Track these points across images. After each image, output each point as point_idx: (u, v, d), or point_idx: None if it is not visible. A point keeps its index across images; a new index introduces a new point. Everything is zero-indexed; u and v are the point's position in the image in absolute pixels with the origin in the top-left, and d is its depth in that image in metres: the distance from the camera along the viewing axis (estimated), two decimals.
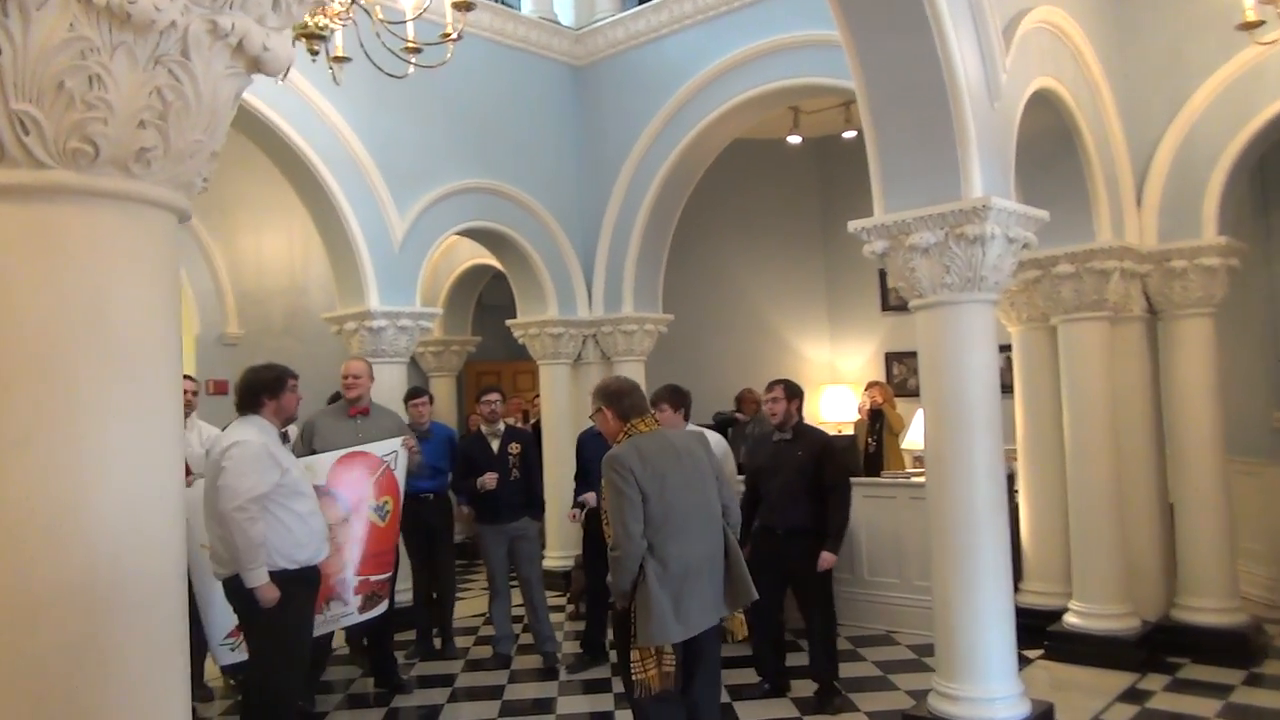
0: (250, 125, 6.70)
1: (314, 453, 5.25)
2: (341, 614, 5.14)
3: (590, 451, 5.91)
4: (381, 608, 5.41)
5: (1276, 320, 7.38)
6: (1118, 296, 5.73)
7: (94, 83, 1.61)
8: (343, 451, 5.29)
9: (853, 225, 4.68)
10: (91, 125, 1.62)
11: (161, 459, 1.79)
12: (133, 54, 1.65)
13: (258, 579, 3.85)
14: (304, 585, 4.05)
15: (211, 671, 5.59)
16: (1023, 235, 4.53)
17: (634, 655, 3.45)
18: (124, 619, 1.70)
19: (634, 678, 3.45)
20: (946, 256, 4.36)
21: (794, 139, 9.69)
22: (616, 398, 3.74)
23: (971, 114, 4.29)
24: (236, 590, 3.95)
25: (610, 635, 5.21)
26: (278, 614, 3.92)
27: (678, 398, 5.13)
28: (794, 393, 5.26)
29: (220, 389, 8.74)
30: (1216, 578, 5.77)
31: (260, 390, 4.15)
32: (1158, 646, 5.66)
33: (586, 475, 5.96)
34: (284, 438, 4.24)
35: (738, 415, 8.73)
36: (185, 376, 6.11)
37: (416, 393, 6.57)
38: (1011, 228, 4.43)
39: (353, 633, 5.76)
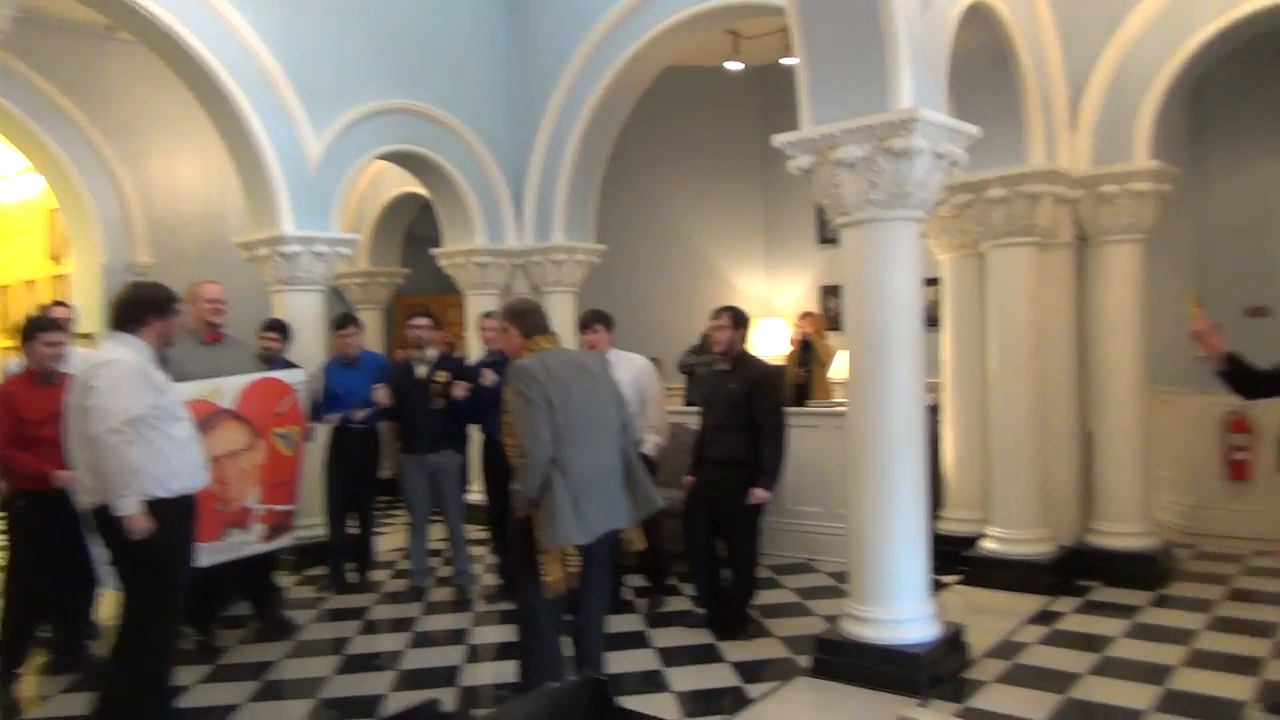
0: (149, 34, 6.31)
1: None
2: (241, 542, 4.98)
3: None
4: (284, 540, 5.24)
5: (1205, 250, 7.41)
6: (1048, 221, 5.65)
7: None
8: (253, 376, 5.13)
9: (778, 139, 4.49)
10: None
11: None
12: None
13: (129, 507, 3.53)
14: (179, 513, 3.75)
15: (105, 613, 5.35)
16: (952, 151, 4.38)
17: (540, 560, 3.59)
18: None
19: (542, 579, 3.58)
20: (873, 171, 4.20)
21: (734, 65, 9.40)
22: (520, 316, 3.89)
23: (902, 20, 4.10)
24: (106, 521, 3.61)
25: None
26: (151, 544, 3.61)
27: (609, 320, 5.36)
28: (740, 321, 5.10)
29: None
30: (1131, 503, 5.81)
31: (148, 308, 3.76)
32: (1071, 571, 5.68)
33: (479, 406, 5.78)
34: (162, 360, 3.87)
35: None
36: (59, 303, 5.77)
37: (346, 320, 6.31)
38: (941, 143, 4.27)
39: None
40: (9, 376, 4.61)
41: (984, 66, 5.40)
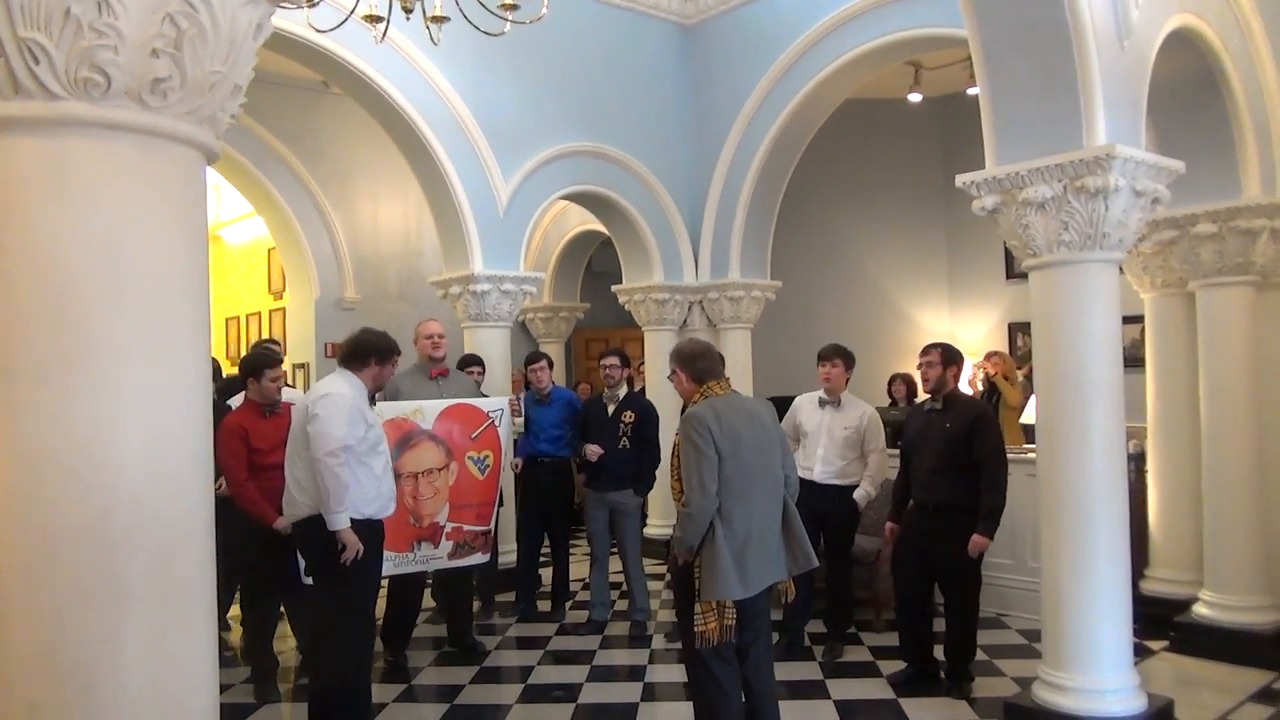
0: (358, 90, 6.81)
1: None
2: (430, 556, 5.29)
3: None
4: (473, 559, 5.50)
5: None
6: (1266, 259, 5.20)
7: (102, 8, 1.57)
8: (451, 401, 5.44)
9: (961, 179, 4.36)
10: (101, 53, 1.58)
11: (182, 401, 1.75)
12: None
13: (342, 522, 3.94)
14: (367, 535, 4.09)
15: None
16: (1153, 188, 4.12)
17: (697, 608, 3.51)
18: (141, 561, 1.67)
19: (696, 629, 3.51)
20: (1064, 212, 4.02)
21: (914, 97, 9.20)
22: (690, 360, 3.77)
23: (1096, 54, 3.91)
24: (306, 534, 4.06)
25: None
26: (337, 560, 4.00)
27: (850, 358, 5.47)
28: (951, 358, 4.89)
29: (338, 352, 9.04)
30: None
31: (372, 353, 4.24)
32: None
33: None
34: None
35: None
36: (273, 341, 6.28)
37: (535, 357, 6.57)
38: (1140, 180, 4.03)
39: (439, 590, 5.86)
40: (235, 409, 5.03)
41: (1188, 95, 5.07)
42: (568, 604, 6.65)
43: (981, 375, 7.56)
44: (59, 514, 1.62)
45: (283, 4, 1.81)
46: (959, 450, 4.67)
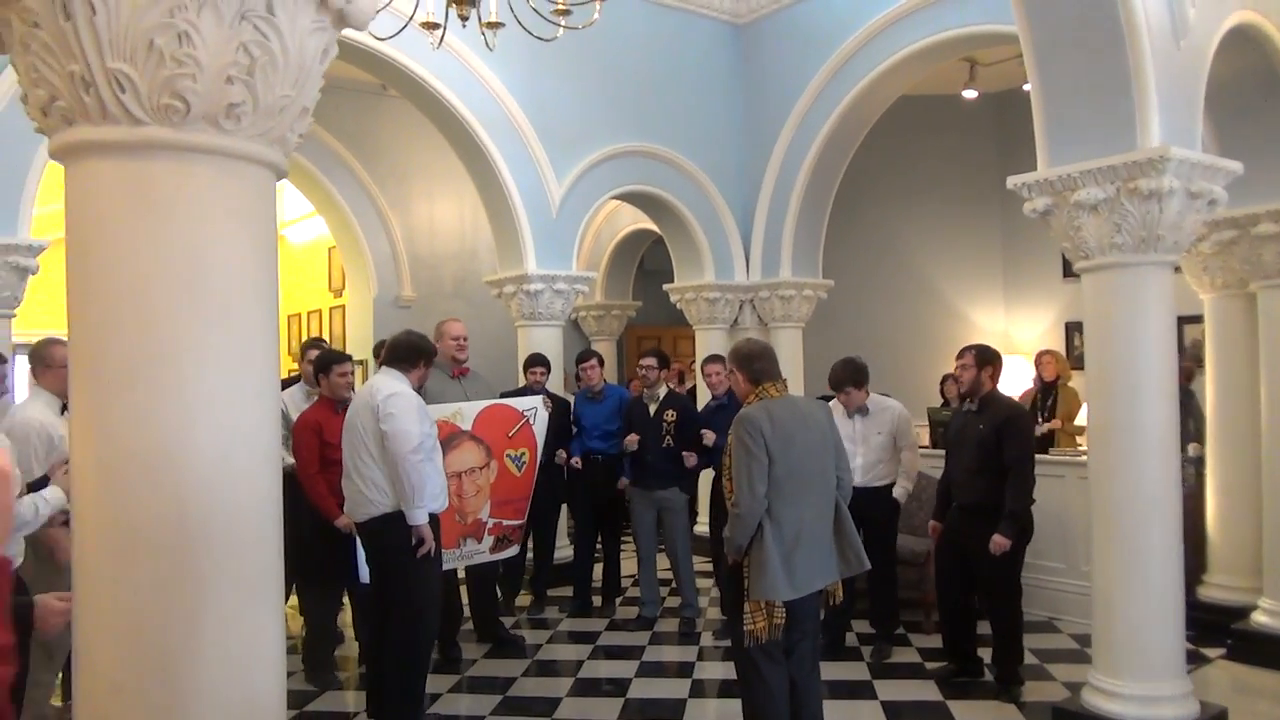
0: (416, 93, 6.97)
1: None
2: (474, 551, 5.47)
3: (714, 427, 5.86)
4: (509, 551, 5.68)
5: None
6: None
7: (183, 39, 1.68)
8: (488, 402, 5.59)
9: (1012, 181, 4.35)
10: (181, 81, 1.69)
11: (254, 403, 1.86)
12: (219, 10, 1.70)
13: (424, 517, 4.08)
14: (434, 528, 4.24)
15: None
16: (1209, 190, 4.07)
17: (746, 607, 3.55)
18: (216, 554, 1.79)
19: (744, 628, 3.55)
20: (1118, 214, 3.98)
21: (970, 93, 9.12)
22: (748, 361, 3.78)
23: (1150, 54, 3.88)
24: (384, 530, 4.14)
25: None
26: (414, 554, 4.12)
27: (860, 378, 5.37)
28: (986, 359, 4.90)
29: None
30: None
31: (419, 355, 4.38)
32: None
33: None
34: None
35: None
36: (320, 340, 6.41)
37: (586, 355, 6.68)
38: (1195, 181, 3.99)
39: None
40: (309, 405, 5.19)
41: (1249, 92, 4.98)
42: (618, 600, 6.74)
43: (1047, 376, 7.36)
44: (141, 508, 1.73)
45: (347, 28, 1.91)
46: (991, 452, 4.71)
